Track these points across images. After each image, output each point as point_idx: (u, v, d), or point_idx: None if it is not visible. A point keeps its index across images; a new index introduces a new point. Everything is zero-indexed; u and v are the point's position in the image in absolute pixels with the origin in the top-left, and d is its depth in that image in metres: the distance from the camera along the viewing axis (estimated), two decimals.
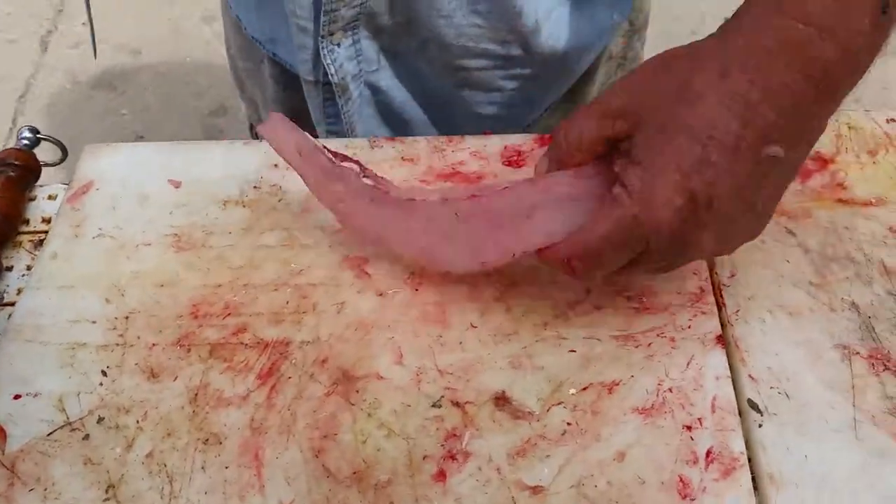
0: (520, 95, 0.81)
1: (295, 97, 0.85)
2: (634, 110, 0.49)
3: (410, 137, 0.70)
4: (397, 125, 0.83)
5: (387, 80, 0.79)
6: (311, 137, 0.60)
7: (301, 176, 0.61)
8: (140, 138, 2.16)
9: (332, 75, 0.75)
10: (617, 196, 0.48)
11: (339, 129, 0.81)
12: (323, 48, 0.73)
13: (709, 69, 0.46)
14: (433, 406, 0.56)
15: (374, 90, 0.79)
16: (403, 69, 0.78)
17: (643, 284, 0.60)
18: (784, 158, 0.46)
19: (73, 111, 2.25)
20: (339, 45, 0.72)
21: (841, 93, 0.47)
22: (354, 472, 0.53)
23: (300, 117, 0.73)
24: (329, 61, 0.73)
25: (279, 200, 0.67)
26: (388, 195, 0.59)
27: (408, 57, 0.77)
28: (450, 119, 0.82)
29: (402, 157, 0.68)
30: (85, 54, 2.35)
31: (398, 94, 0.80)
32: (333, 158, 0.59)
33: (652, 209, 0.47)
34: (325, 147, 0.60)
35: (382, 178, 0.61)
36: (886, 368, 0.57)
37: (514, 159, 0.68)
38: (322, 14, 0.70)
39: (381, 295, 0.61)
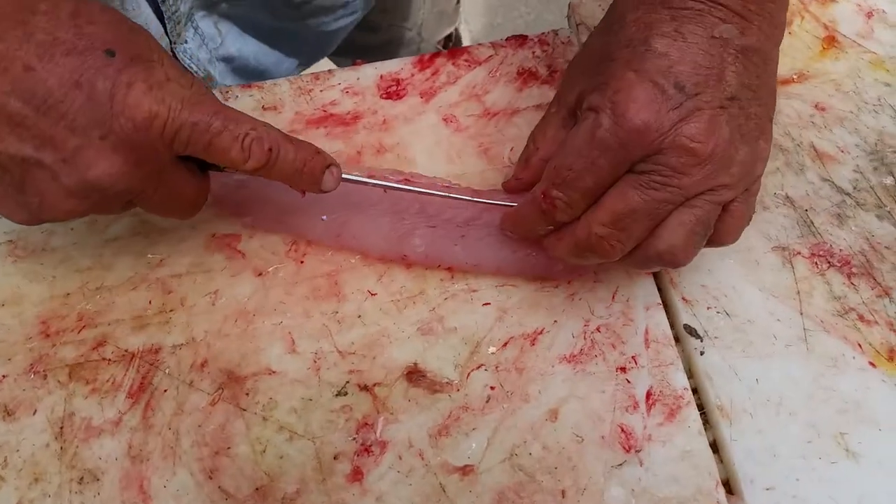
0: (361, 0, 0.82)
1: None
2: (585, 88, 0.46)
3: (269, 81, 0.60)
4: (259, 76, 0.80)
5: (235, 45, 0.75)
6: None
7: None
8: None
9: (195, 73, 0.71)
10: (584, 117, 0.43)
11: None
12: (178, 53, 0.69)
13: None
14: (338, 395, 0.49)
15: (228, 60, 0.76)
16: (246, 26, 0.75)
17: None
18: (738, 38, 0.43)
19: None
20: (186, 41, 0.69)
21: None
22: (257, 489, 0.46)
23: None
24: (187, 60, 0.70)
25: None
26: None
27: (247, 14, 0.74)
28: (304, 46, 0.82)
29: (263, 107, 0.59)
30: None
31: (250, 49, 0.77)
32: None
33: (621, 111, 0.41)
34: None
35: None
36: (831, 265, 0.51)
37: (393, 90, 0.59)
38: (167, 22, 0.65)
39: (260, 275, 0.53)
